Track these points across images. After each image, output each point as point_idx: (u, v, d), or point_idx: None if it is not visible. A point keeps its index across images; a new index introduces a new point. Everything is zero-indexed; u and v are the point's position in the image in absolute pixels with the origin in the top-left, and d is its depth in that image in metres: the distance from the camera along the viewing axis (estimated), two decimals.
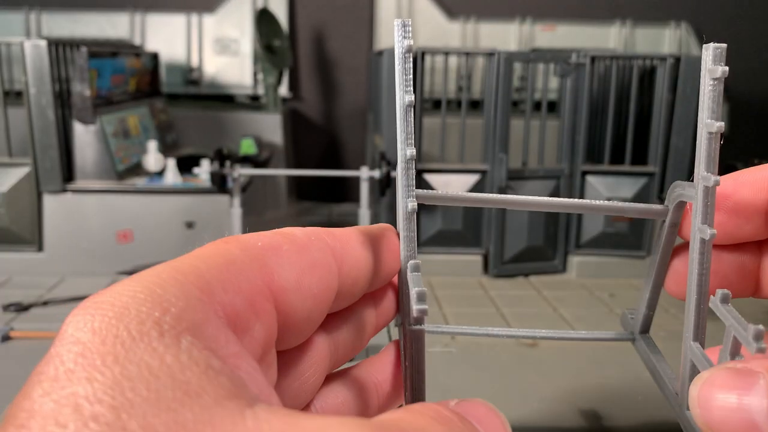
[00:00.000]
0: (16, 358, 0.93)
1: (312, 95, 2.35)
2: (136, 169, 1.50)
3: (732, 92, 2.20)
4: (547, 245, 1.41)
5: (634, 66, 1.43)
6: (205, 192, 1.40)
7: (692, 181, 0.23)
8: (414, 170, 0.22)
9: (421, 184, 1.37)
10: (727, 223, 0.24)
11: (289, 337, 0.20)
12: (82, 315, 0.16)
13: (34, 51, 1.29)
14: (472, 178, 1.39)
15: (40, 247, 1.37)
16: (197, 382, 0.14)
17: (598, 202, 0.25)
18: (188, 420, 0.13)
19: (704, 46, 0.21)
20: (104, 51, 1.51)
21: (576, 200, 0.25)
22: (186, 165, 1.50)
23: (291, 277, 0.20)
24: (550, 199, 0.25)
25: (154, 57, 1.84)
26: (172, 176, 1.45)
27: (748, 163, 1.22)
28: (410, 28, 0.21)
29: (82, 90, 1.37)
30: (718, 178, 0.22)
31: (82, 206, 1.37)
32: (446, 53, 1.40)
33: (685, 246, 0.25)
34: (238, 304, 0.18)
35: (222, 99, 2.21)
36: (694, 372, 0.22)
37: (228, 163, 1.34)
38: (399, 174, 0.22)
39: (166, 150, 1.61)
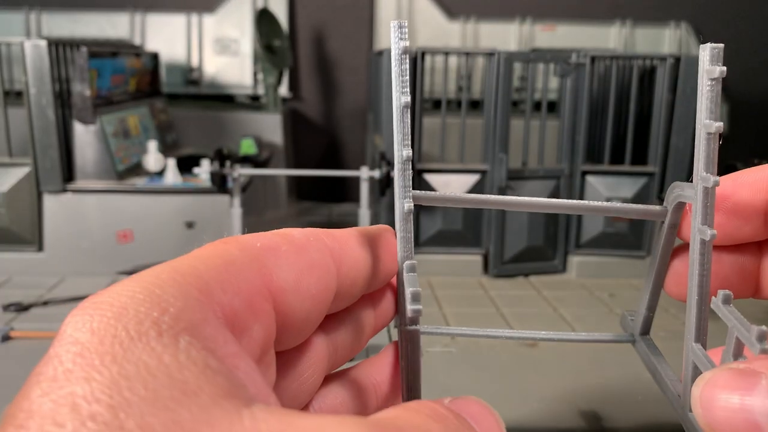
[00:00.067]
0: (16, 358, 0.93)
1: (312, 95, 2.35)
2: (136, 169, 1.50)
3: (731, 92, 2.20)
4: (547, 245, 1.41)
5: (634, 66, 1.43)
6: (205, 192, 1.40)
7: (691, 181, 0.23)
8: (411, 171, 0.22)
9: (421, 184, 1.37)
10: (727, 224, 0.24)
11: (287, 337, 0.20)
12: (81, 315, 0.16)
13: (34, 51, 1.29)
14: (472, 178, 1.39)
15: (40, 247, 1.37)
16: (195, 381, 0.14)
17: (596, 203, 0.25)
18: (185, 419, 0.13)
19: (701, 46, 0.21)
20: (104, 51, 1.51)
21: (574, 201, 0.25)
22: (186, 165, 1.50)
23: (289, 278, 0.20)
24: (549, 200, 0.25)
25: (154, 57, 1.84)
26: (172, 176, 1.45)
27: (748, 163, 1.22)
28: (406, 30, 0.21)
29: (82, 90, 1.37)
30: (718, 178, 0.22)
31: (82, 206, 1.37)
32: (446, 53, 1.40)
33: (684, 247, 0.25)
34: (237, 305, 0.18)
35: (222, 99, 2.21)
36: (696, 373, 0.22)
37: (228, 163, 1.34)
38: (396, 174, 0.22)
39: (166, 150, 1.61)
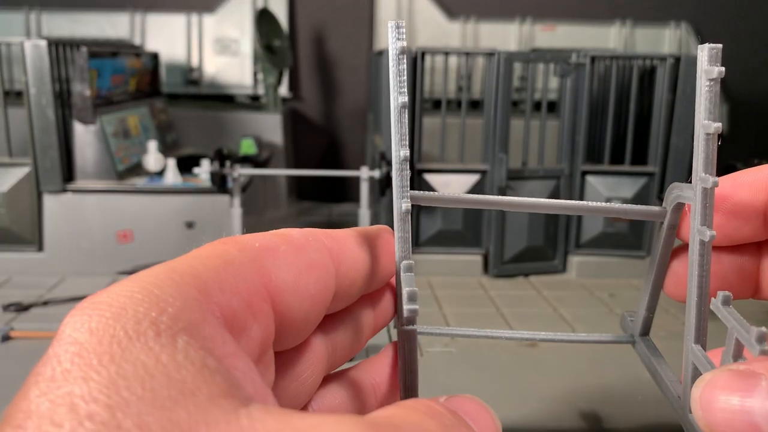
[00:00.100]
0: (16, 358, 0.93)
1: (312, 95, 2.35)
2: (136, 169, 1.50)
3: (731, 92, 2.21)
4: (547, 245, 1.41)
5: (634, 66, 1.43)
6: (205, 192, 1.40)
7: (690, 182, 0.23)
8: (408, 171, 0.22)
9: (421, 184, 1.37)
10: (726, 225, 0.24)
11: (286, 337, 0.20)
12: (80, 316, 0.16)
13: (34, 51, 1.29)
14: (472, 178, 1.39)
15: (40, 247, 1.37)
16: (192, 380, 0.14)
17: (596, 203, 0.25)
18: (183, 418, 0.13)
19: (699, 46, 0.21)
20: (104, 51, 1.51)
21: (573, 202, 0.25)
22: (186, 165, 1.50)
23: (288, 278, 0.20)
24: (547, 201, 0.25)
25: (154, 57, 1.84)
26: (172, 176, 1.45)
27: (748, 163, 1.22)
28: (404, 30, 0.21)
29: (82, 90, 1.37)
30: (717, 179, 0.22)
31: (82, 206, 1.37)
32: (446, 53, 1.40)
33: (684, 248, 0.25)
34: (235, 305, 0.18)
35: (222, 99, 2.21)
36: (696, 374, 0.22)
37: (228, 163, 1.34)
38: (393, 175, 0.22)
39: (166, 150, 1.61)
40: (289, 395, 0.22)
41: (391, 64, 0.21)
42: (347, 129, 2.36)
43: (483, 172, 1.39)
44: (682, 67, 1.36)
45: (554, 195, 1.40)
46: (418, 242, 1.39)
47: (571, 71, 1.36)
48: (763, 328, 0.19)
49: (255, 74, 2.22)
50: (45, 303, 1.15)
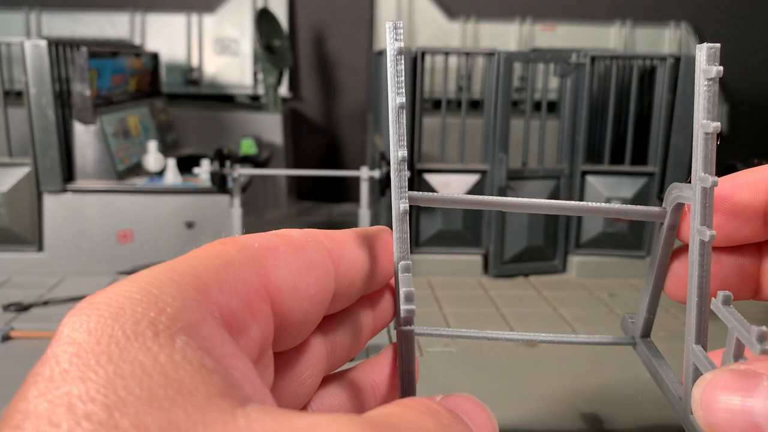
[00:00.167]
0: (16, 358, 0.93)
1: (312, 95, 2.35)
2: (136, 169, 1.50)
3: (731, 92, 2.20)
4: (547, 245, 1.41)
5: (634, 66, 1.43)
6: (205, 192, 1.40)
7: (690, 182, 0.23)
8: (406, 171, 0.22)
9: (421, 184, 1.37)
10: (726, 225, 0.24)
11: (285, 338, 0.20)
12: (78, 316, 0.16)
13: (34, 51, 1.29)
14: (472, 178, 1.39)
15: (40, 247, 1.37)
16: (190, 380, 0.14)
17: (595, 204, 0.25)
18: (180, 418, 0.13)
19: (698, 46, 0.21)
20: (104, 51, 1.51)
21: (573, 203, 0.25)
22: (186, 165, 1.50)
23: (288, 279, 0.20)
24: (547, 201, 0.25)
25: (154, 57, 1.84)
26: (172, 176, 1.45)
27: (748, 164, 1.22)
28: (402, 31, 0.21)
29: (82, 90, 1.37)
30: (716, 179, 0.22)
31: (82, 206, 1.37)
32: (446, 53, 1.40)
33: (684, 248, 0.25)
34: (235, 305, 0.18)
35: (222, 99, 2.21)
36: (697, 375, 0.22)
37: (228, 163, 1.34)
38: (392, 175, 0.22)
39: (166, 150, 1.61)
40: (289, 396, 0.22)
41: (389, 64, 0.21)
42: (347, 129, 2.36)
43: (483, 172, 1.39)
44: (682, 67, 1.36)
45: (554, 195, 1.40)
46: (418, 242, 1.39)
47: (571, 71, 1.36)
48: (764, 328, 0.19)
49: (255, 74, 2.22)
50: (45, 303, 1.15)
